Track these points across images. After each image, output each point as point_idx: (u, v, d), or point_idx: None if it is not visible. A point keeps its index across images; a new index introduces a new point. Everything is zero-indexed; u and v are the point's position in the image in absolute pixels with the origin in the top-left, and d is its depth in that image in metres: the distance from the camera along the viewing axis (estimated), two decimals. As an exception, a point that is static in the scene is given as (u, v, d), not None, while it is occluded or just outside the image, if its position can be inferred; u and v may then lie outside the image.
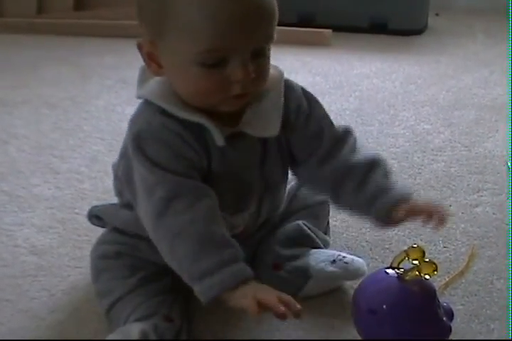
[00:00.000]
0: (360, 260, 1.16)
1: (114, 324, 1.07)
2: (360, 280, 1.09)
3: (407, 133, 1.84)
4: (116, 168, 1.16)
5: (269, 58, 1.03)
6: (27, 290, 1.20)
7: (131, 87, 1.17)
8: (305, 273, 1.14)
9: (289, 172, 1.17)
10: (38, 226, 1.39)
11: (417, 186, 1.54)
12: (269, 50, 1.02)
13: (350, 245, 1.31)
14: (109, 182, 1.30)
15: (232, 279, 0.96)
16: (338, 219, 1.37)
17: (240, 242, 1.16)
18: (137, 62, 1.08)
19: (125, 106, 1.87)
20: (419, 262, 0.98)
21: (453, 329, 1.02)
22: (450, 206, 1.45)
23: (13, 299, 1.18)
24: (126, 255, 1.14)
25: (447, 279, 1.20)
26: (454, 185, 1.55)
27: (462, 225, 1.38)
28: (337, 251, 1.19)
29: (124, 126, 1.09)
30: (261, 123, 1.05)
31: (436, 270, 0.97)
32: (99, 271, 1.14)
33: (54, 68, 2.42)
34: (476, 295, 1.17)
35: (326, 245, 1.23)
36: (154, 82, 1.07)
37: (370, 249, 1.30)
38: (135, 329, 1.01)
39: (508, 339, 1.09)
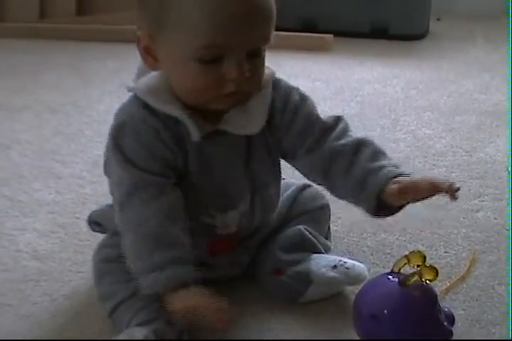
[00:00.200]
0: (361, 265, 1.16)
1: (117, 326, 1.08)
2: (361, 285, 1.09)
3: (408, 138, 1.84)
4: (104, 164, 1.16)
5: (264, 59, 1.04)
6: (29, 295, 1.20)
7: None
8: (306, 279, 1.14)
9: (280, 170, 1.18)
10: (39, 231, 1.39)
11: (418, 191, 1.54)
12: (264, 51, 1.03)
13: (352, 250, 1.31)
14: (110, 187, 1.31)
15: (172, 281, 0.99)
16: (339, 224, 1.37)
17: (239, 244, 1.17)
18: (139, 66, 1.08)
19: (127, 111, 1.88)
20: (420, 267, 0.98)
21: (454, 334, 1.02)
22: (451, 211, 1.45)
23: (15, 304, 1.18)
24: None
25: (448, 284, 1.20)
26: (455, 190, 1.55)
27: (463, 230, 1.38)
28: (338, 256, 1.19)
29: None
30: (243, 121, 1.06)
31: (437, 275, 0.97)
32: (102, 275, 1.14)
33: (55, 73, 2.43)
34: (477, 300, 1.17)
35: (327, 250, 1.23)
36: (148, 76, 1.07)
37: (371, 254, 1.30)
38: (138, 334, 1.01)
39: (508, 339, 1.09)
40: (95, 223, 1.24)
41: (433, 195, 0.99)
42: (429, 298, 1.00)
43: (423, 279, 0.97)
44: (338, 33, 2.75)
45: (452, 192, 0.97)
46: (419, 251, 1.01)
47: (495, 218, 1.43)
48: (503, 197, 1.52)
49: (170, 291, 0.99)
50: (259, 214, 1.16)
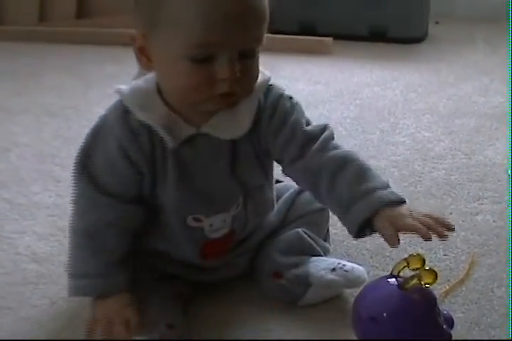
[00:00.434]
0: (360, 268, 1.16)
1: None
2: (361, 288, 1.09)
3: (407, 141, 1.85)
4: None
5: (257, 61, 1.03)
6: (28, 297, 1.20)
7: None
8: (305, 281, 1.14)
9: (273, 174, 1.18)
10: (38, 234, 1.39)
11: (417, 194, 1.55)
12: (258, 53, 1.02)
13: (351, 253, 1.32)
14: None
15: (100, 289, 1.08)
16: (339, 227, 1.37)
17: (235, 246, 1.17)
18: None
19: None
20: (419, 270, 0.98)
21: (453, 337, 1.02)
22: (451, 214, 1.46)
23: (15, 307, 1.18)
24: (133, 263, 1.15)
25: (447, 287, 1.20)
26: (454, 193, 1.55)
27: (462, 233, 1.38)
28: (337, 258, 1.19)
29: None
30: (227, 125, 1.06)
31: (436, 278, 0.97)
32: None
33: (55, 76, 2.43)
34: (476, 303, 1.17)
35: (326, 252, 1.23)
36: (139, 80, 1.08)
37: (371, 257, 1.30)
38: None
39: (508, 339, 1.09)
40: None
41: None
42: (429, 300, 1.00)
43: (422, 282, 0.97)
44: (337, 36, 2.76)
45: (442, 235, 0.96)
46: (418, 254, 1.01)
47: (494, 221, 1.43)
48: (502, 200, 1.52)
49: (96, 298, 1.09)
50: (253, 216, 1.17)
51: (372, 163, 1.68)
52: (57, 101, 2.17)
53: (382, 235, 0.98)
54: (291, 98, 1.12)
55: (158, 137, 1.04)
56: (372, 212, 0.99)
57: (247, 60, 1.00)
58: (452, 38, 2.97)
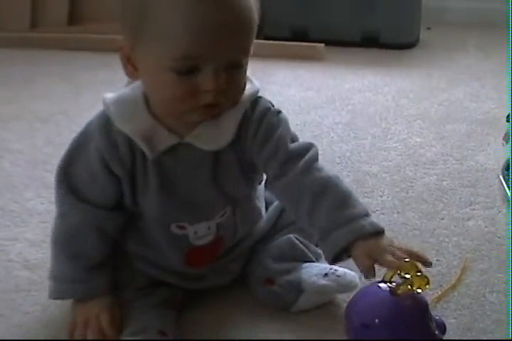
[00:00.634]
0: (352, 273, 1.16)
1: None
2: (353, 293, 1.09)
3: (399, 147, 1.85)
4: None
5: (245, 72, 1.03)
6: (20, 304, 1.20)
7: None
8: (297, 288, 1.14)
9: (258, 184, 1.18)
10: (31, 241, 1.39)
11: (409, 199, 1.55)
12: (246, 64, 1.02)
13: (343, 258, 1.32)
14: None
15: (79, 294, 1.12)
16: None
17: (227, 253, 1.17)
18: (130, 76, 1.08)
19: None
20: (411, 276, 0.98)
21: (446, 341, 1.02)
22: (442, 219, 1.46)
23: (7, 314, 1.18)
24: (122, 268, 1.16)
25: (440, 292, 1.20)
26: (446, 199, 1.55)
27: (454, 238, 1.38)
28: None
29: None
30: (210, 136, 1.06)
31: (428, 284, 0.97)
32: None
33: (47, 82, 2.43)
34: (468, 308, 1.18)
35: (318, 258, 1.22)
36: (127, 88, 1.08)
37: (363, 263, 1.30)
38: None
39: (508, 339, 1.09)
40: None
41: None
42: (420, 306, 1.00)
43: (414, 288, 0.97)
44: (329, 42, 2.76)
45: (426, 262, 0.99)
46: (410, 260, 1.01)
47: (486, 226, 1.43)
48: (493, 206, 1.52)
49: (76, 301, 1.12)
50: (242, 224, 1.17)
51: (364, 168, 1.70)
52: (49, 107, 2.17)
53: (358, 266, 0.99)
54: (279, 113, 1.11)
55: (138, 147, 1.05)
56: (350, 241, 0.99)
57: (233, 71, 0.99)
58: (444, 43, 2.98)
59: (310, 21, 2.90)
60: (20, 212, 1.51)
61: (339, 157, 1.78)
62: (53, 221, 1.14)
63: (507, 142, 1.66)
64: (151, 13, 0.96)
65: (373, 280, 1.01)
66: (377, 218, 1.42)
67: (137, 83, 1.07)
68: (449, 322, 1.11)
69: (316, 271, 1.16)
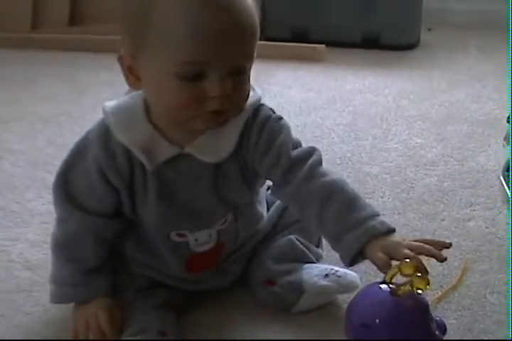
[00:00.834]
0: (353, 273, 1.16)
1: None
2: (354, 293, 1.09)
3: (400, 148, 1.85)
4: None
5: (249, 78, 1.02)
6: (21, 305, 1.20)
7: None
8: (298, 288, 1.14)
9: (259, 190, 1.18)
10: (32, 241, 1.39)
11: (410, 200, 1.55)
12: (249, 69, 1.01)
13: (344, 259, 1.32)
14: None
15: (78, 297, 1.12)
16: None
17: (228, 256, 1.17)
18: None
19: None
20: (411, 277, 0.98)
21: (447, 342, 1.02)
22: (443, 220, 1.46)
23: (8, 314, 1.18)
24: (122, 271, 1.15)
25: (440, 293, 1.20)
26: (446, 200, 1.56)
27: (455, 239, 1.38)
28: (330, 265, 1.19)
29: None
30: (210, 148, 1.05)
31: (428, 284, 0.97)
32: None
33: (48, 83, 2.43)
34: (469, 309, 1.18)
35: (319, 258, 1.23)
36: (127, 96, 1.08)
37: (363, 263, 1.30)
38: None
39: (508, 339, 1.09)
40: None
41: None
42: (421, 307, 1.00)
43: (414, 289, 0.97)
44: (330, 43, 2.77)
45: (442, 258, 0.98)
46: (411, 261, 1.01)
47: (486, 227, 1.43)
48: (494, 206, 1.52)
49: (77, 303, 1.12)
50: (244, 230, 1.17)
51: (364, 169, 1.70)
52: (50, 108, 2.17)
53: (374, 262, 0.99)
54: (280, 119, 1.10)
55: (137, 158, 1.05)
56: (364, 242, 0.99)
57: (237, 77, 0.99)
58: (444, 44, 2.98)
59: (311, 22, 2.90)
60: (21, 213, 1.51)
61: (340, 158, 1.78)
62: (54, 224, 1.14)
63: (508, 143, 1.67)
64: (154, 19, 0.95)
65: (374, 280, 1.01)
66: (378, 219, 1.43)
67: (136, 92, 1.07)
68: (450, 322, 1.11)
69: (316, 271, 1.16)
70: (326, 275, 1.15)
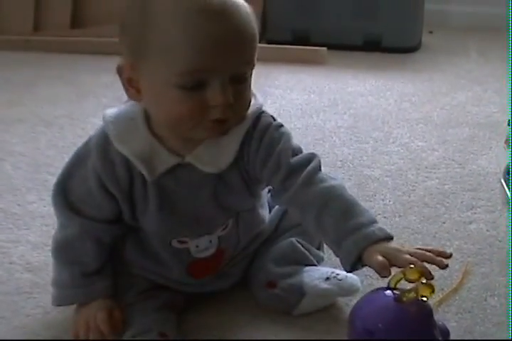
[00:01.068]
0: (354, 277, 1.16)
1: None
2: (354, 296, 1.09)
3: (401, 151, 1.85)
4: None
5: (250, 85, 1.03)
6: (22, 307, 1.20)
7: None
8: (299, 291, 1.14)
9: (261, 195, 1.18)
10: (33, 244, 1.39)
11: (411, 203, 1.55)
12: (250, 76, 1.02)
13: (345, 262, 1.31)
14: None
15: (79, 299, 1.12)
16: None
17: (229, 260, 1.17)
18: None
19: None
20: (416, 284, 0.97)
21: (447, 346, 1.02)
22: (444, 223, 1.46)
23: (9, 316, 1.18)
24: (122, 273, 1.16)
25: (441, 296, 1.20)
26: (447, 202, 1.56)
27: (456, 242, 1.38)
28: (331, 267, 1.19)
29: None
30: (210, 158, 1.05)
31: (433, 292, 0.96)
32: None
33: (50, 86, 2.43)
34: (469, 312, 1.18)
35: (320, 261, 1.23)
36: (127, 104, 1.08)
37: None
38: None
39: (508, 339, 1.09)
40: None
41: None
42: (425, 314, 0.99)
43: (419, 296, 0.96)
44: (331, 46, 2.76)
45: (443, 265, 0.97)
46: (415, 267, 1.00)
47: (487, 230, 1.43)
48: (495, 209, 1.52)
49: (78, 305, 1.13)
50: (244, 235, 1.17)
51: (366, 172, 1.70)
52: (52, 110, 2.17)
53: (372, 265, 0.97)
54: (280, 127, 1.10)
55: (137, 168, 1.05)
56: (362, 248, 0.98)
57: (239, 85, 0.99)
58: (446, 47, 2.98)
59: (312, 25, 2.90)
60: (22, 215, 1.51)
61: (341, 161, 1.78)
62: (56, 227, 1.15)
63: (508, 146, 1.67)
64: (152, 29, 0.95)
65: (375, 283, 1.00)
66: (379, 222, 1.43)
67: (130, 102, 1.07)
68: (451, 325, 1.11)
69: (317, 274, 1.16)
70: (327, 279, 1.15)
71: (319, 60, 2.71)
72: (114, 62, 1.03)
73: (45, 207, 1.53)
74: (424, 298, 0.96)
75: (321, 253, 1.25)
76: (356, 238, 0.99)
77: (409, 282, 0.97)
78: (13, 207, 1.55)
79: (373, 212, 1.46)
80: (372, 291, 1.06)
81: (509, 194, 1.55)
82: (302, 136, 1.91)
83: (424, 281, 0.96)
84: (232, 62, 0.97)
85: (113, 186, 1.06)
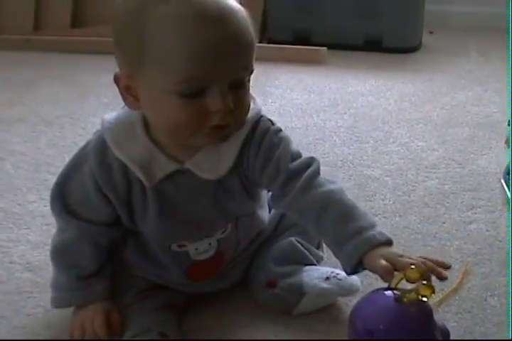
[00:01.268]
0: (353, 276, 1.15)
1: None
2: (354, 296, 1.09)
3: (401, 151, 1.85)
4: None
5: (248, 90, 1.02)
6: (22, 306, 1.20)
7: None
8: (299, 291, 1.14)
9: (261, 197, 1.18)
10: (33, 243, 1.39)
11: (411, 203, 1.55)
12: (249, 81, 1.01)
13: (345, 262, 1.32)
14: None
15: (76, 301, 1.12)
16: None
17: (229, 261, 1.17)
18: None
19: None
20: (417, 284, 0.97)
21: (447, 345, 1.02)
22: (444, 223, 1.46)
23: (9, 315, 1.18)
24: (122, 273, 1.16)
25: (441, 296, 1.20)
26: (447, 202, 1.56)
27: (456, 242, 1.38)
28: (331, 267, 1.19)
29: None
30: (209, 165, 1.05)
31: (434, 292, 0.96)
32: None
33: (50, 85, 2.44)
34: (469, 312, 1.18)
35: (319, 260, 1.23)
36: (126, 109, 1.07)
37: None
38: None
39: (508, 339, 1.09)
40: None
41: None
42: (425, 314, 0.99)
43: (420, 296, 0.96)
44: (332, 46, 2.77)
45: (443, 276, 0.96)
46: (416, 268, 1.00)
47: (487, 230, 1.43)
48: (495, 209, 1.52)
49: (75, 308, 1.13)
50: (244, 237, 1.17)
51: (366, 172, 1.70)
52: (52, 110, 2.17)
53: (376, 270, 0.96)
54: (279, 131, 1.09)
55: (135, 174, 1.04)
56: (362, 252, 0.98)
57: (238, 91, 0.98)
58: (446, 47, 2.98)
59: (313, 25, 2.90)
60: (22, 214, 1.51)
61: (341, 160, 1.78)
62: (55, 230, 1.15)
63: (508, 146, 1.67)
64: (148, 37, 0.93)
65: (374, 283, 1.00)
66: (379, 222, 1.43)
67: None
68: (451, 325, 1.11)
69: (317, 274, 1.16)
70: (327, 278, 1.15)
71: (320, 59, 2.71)
72: (115, 61, 1.02)
73: (45, 206, 1.53)
74: (425, 299, 0.96)
75: (321, 253, 1.25)
76: (356, 242, 0.99)
77: (410, 282, 0.96)
78: (13, 206, 1.55)
79: (373, 212, 1.48)
80: (372, 291, 1.06)
81: (509, 194, 1.56)
82: (302, 135, 1.91)
83: (424, 282, 0.96)
84: (231, 69, 0.96)
85: (110, 191, 1.06)
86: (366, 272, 1.24)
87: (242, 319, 1.16)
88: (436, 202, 1.56)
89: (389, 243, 1.00)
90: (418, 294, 0.95)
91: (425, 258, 0.97)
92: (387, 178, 1.68)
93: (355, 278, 1.15)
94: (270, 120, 1.10)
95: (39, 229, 1.45)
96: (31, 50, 2.81)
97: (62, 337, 1.12)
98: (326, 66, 2.68)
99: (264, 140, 1.07)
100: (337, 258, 1.04)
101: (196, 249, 1.12)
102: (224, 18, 0.94)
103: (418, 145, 1.89)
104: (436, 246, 1.37)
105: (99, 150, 1.06)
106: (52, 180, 1.12)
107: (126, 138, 1.05)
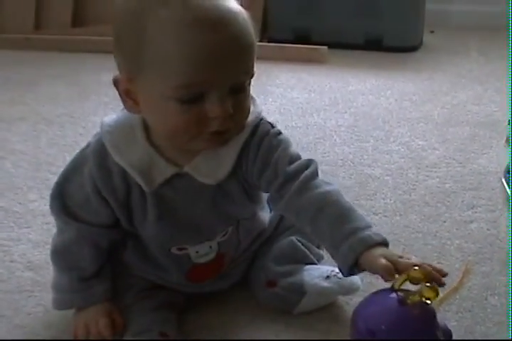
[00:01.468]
0: (354, 275, 1.16)
1: None
2: (355, 295, 1.09)
3: (401, 150, 1.85)
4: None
5: (249, 94, 1.01)
6: (23, 305, 1.20)
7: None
8: (300, 290, 1.14)
9: (261, 200, 1.17)
10: (34, 242, 1.39)
11: (411, 202, 1.55)
12: (248, 85, 1.00)
13: (345, 261, 1.31)
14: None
15: (77, 303, 1.13)
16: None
17: (231, 262, 1.17)
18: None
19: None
20: (421, 286, 0.96)
21: (447, 344, 1.02)
22: (445, 222, 1.46)
23: (9, 314, 1.18)
24: (122, 274, 1.16)
25: (441, 295, 1.19)
26: (448, 201, 1.56)
27: (457, 241, 1.38)
28: (331, 266, 1.19)
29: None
30: (208, 169, 1.04)
31: (437, 295, 0.95)
32: None
33: (51, 85, 2.44)
34: (470, 311, 1.18)
35: (320, 259, 1.23)
36: (126, 111, 1.06)
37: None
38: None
39: (508, 339, 1.09)
40: None
41: None
42: (428, 316, 0.98)
43: (423, 298, 0.96)
44: (332, 45, 2.77)
45: (441, 282, 0.95)
46: (419, 269, 1.00)
47: (488, 229, 1.43)
48: (496, 208, 1.52)
49: (76, 309, 1.13)
50: (244, 239, 1.17)
51: (366, 171, 1.70)
52: (53, 109, 2.18)
53: (376, 269, 0.95)
54: (278, 134, 1.08)
55: (134, 179, 1.04)
56: (359, 252, 0.97)
57: (237, 95, 0.97)
58: (447, 47, 2.98)
59: (313, 24, 2.90)
60: (23, 213, 1.51)
61: (342, 160, 1.78)
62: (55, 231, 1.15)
63: (509, 145, 1.67)
64: (148, 41, 0.92)
65: (375, 281, 1.00)
66: (379, 221, 1.44)
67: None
68: (451, 324, 1.10)
69: (318, 273, 1.16)
70: (328, 277, 1.15)
71: (320, 58, 2.71)
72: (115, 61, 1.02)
73: (46, 205, 1.52)
74: (428, 301, 0.96)
75: (321, 252, 1.25)
76: (352, 242, 0.97)
77: (414, 283, 0.96)
78: (14, 205, 1.55)
79: (374, 211, 1.48)
80: (376, 292, 1.05)
81: (510, 193, 1.56)
82: (303, 134, 1.91)
83: (428, 284, 0.95)
84: (230, 73, 0.95)
85: (109, 194, 1.06)
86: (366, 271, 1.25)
87: (242, 318, 1.16)
88: (437, 201, 1.56)
89: (385, 244, 0.99)
90: (422, 296, 0.95)
91: (423, 263, 0.96)
92: (388, 177, 1.68)
93: (355, 277, 1.15)
94: (270, 123, 1.09)
95: (40, 228, 1.45)
96: (32, 49, 2.81)
97: (63, 337, 1.12)
98: (327, 65, 2.68)
99: (263, 143, 1.06)
100: (334, 259, 1.03)
101: (197, 252, 1.12)
102: (223, 21, 0.93)
103: (419, 145, 1.89)
104: (436, 245, 1.37)
105: (98, 153, 1.05)
106: (53, 179, 1.12)
107: (126, 142, 1.04)
